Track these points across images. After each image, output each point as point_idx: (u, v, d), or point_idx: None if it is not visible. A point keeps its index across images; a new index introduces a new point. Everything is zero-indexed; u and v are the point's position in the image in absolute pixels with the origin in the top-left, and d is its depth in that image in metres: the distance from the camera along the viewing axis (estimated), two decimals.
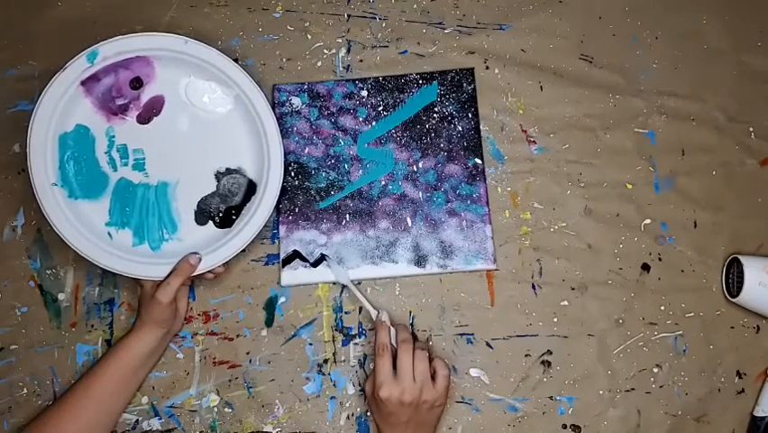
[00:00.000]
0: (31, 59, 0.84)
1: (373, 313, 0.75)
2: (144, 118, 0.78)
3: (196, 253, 0.74)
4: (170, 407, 0.77)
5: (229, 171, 0.78)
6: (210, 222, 0.77)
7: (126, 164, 0.77)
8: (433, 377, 0.71)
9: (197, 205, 0.78)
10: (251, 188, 0.78)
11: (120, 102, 0.77)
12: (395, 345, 0.72)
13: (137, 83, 0.77)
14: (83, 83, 0.75)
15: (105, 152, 0.77)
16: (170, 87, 0.78)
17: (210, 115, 0.79)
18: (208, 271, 0.75)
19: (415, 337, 0.75)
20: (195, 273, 0.74)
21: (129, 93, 0.77)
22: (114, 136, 0.77)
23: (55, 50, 0.84)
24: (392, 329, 0.73)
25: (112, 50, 0.74)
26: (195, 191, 0.78)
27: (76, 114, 0.76)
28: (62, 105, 0.74)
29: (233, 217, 0.77)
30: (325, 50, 0.85)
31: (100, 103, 0.76)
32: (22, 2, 0.86)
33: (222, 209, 0.78)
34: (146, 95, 0.78)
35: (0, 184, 0.81)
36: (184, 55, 0.76)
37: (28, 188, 0.73)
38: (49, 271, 0.79)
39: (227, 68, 0.76)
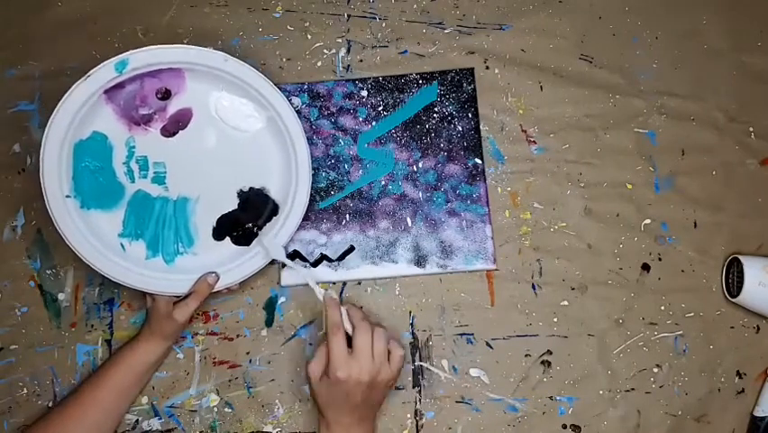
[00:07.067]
0: (31, 59, 0.84)
1: (320, 292, 0.72)
2: (169, 131, 0.74)
3: (213, 272, 0.74)
4: (170, 407, 0.77)
5: (252, 190, 0.76)
6: (228, 238, 0.76)
7: (145, 177, 0.74)
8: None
9: (217, 221, 0.76)
10: (274, 209, 0.76)
11: (144, 112, 0.73)
12: (345, 325, 0.70)
13: (165, 94, 0.73)
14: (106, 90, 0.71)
15: (124, 163, 0.74)
16: (200, 100, 0.74)
17: (239, 133, 0.75)
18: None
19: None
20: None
21: (155, 103, 0.73)
22: (134, 147, 0.74)
23: (55, 49, 0.84)
24: (342, 309, 0.71)
25: (143, 60, 0.70)
26: (215, 208, 0.75)
27: (94, 121, 0.72)
28: (82, 115, 0.70)
29: (252, 236, 0.76)
30: (325, 50, 0.85)
31: (122, 111, 0.72)
32: (22, 2, 0.86)
33: (241, 227, 0.76)
34: (173, 107, 0.74)
35: (0, 184, 0.81)
36: (219, 71, 0.73)
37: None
38: (49, 271, 0.79)
39: (264, 88, 0.73)
